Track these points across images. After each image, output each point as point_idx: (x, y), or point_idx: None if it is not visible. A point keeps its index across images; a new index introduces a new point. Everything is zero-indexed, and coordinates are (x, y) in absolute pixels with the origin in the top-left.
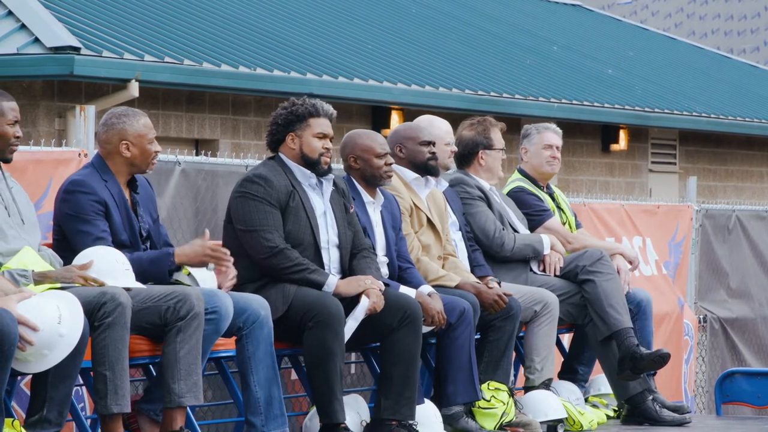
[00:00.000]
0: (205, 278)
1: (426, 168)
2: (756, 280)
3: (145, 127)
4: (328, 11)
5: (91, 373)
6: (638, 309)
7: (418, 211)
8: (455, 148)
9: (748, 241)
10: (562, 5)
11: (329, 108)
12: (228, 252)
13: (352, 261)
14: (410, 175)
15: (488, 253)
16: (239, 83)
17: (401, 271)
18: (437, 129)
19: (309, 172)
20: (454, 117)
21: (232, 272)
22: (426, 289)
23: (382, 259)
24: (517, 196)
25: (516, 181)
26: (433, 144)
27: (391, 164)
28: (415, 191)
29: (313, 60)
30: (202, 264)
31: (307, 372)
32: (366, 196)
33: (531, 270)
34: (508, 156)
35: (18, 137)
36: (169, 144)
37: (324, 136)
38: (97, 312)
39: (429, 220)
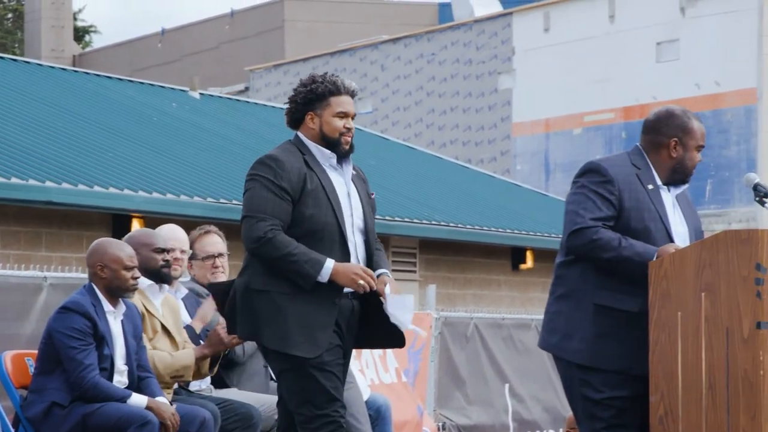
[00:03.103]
0: None
1: (159, 275)
2: (493, 387)
3: None
4: (67, 118)
5: None
6: (378, 414)
7: (152, 318)
8: (186, 256)
9: (485, 348)
10: None
11: (351, 84)
12: None
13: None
14: (144, 281)
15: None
16: None
17: (140, 380)
18: (172, 237)
19: (329, 152)
20: (196, 225)
21: None
22: (163, 399)
23: (121, 367)
24: None
25: None
26: (168, 251)
27: (137, 278)
28: (150, 298)
29: (53, 167)
30: None
31: None
32: (107, 305)
33: (272, 379)
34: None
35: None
36: None
37: (345, 115)
38: None
39: (164, 327)
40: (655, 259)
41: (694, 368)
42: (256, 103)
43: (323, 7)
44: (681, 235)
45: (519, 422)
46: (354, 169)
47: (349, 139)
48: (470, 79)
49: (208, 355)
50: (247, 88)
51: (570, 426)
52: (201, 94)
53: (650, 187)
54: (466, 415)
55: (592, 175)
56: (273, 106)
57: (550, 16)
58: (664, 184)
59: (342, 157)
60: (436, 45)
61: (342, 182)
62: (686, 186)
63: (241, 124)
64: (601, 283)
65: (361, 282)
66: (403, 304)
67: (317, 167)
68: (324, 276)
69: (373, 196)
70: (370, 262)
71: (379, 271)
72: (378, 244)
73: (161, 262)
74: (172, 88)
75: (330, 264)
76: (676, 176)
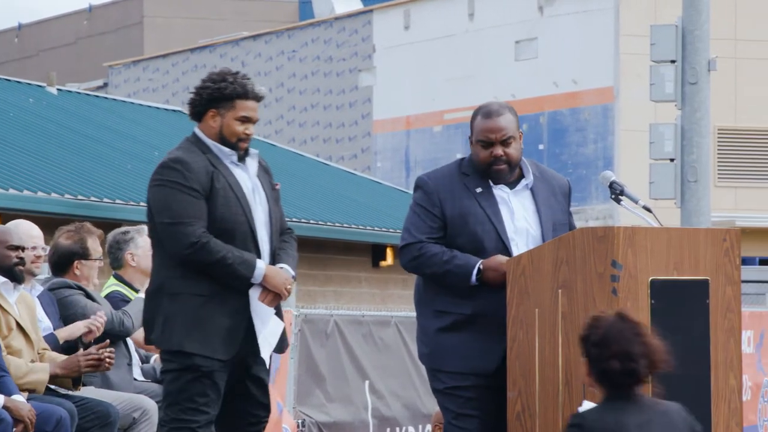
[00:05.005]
0: None
1: (13, 273)
2: (353, 384)
3: None
4: None
5: None
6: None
7: (6, 316)
8: (42, 253)
9: (345, 345)
10: (164, 111)
11: (260, 90)
12: None
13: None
14: None
15: None
16: None
17: None
18: (25, 233)
19: (228, 150)
20: (54, 222)
21: None
22: (19, 397)
23: None
24: (113, 302)
25: (112, 285)
26: (22, 249)
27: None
28: (4, 295)
29: None
30: None
31: None
32: None
33: (134, 379)
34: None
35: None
36: None
37: (247, 120)
38: None
39: (19, 325)
40: (476, 271)
41: (551, 365)
42: (114, 99)
43: (182, 3)
44: (521, 230)
45: (379, 419)
46: (258, 161)
47: (246, 145)
48: (331, 76)
49: (61, 376)
50: (105, 84)
51: (437, 421)
52: (58, 89)
53: (479, 190)
54: (326, 412)
55: (417, 191)
56: (132, 102)
57: (411, 13)
58: (493, 183)
59: (239, 158)
60: (297, 42)
61: (246, 178)
62: (526, 181)
63: (99, 121)
64: (437, 289)
65: (286, 294)
66: (264, 314)
67: (221, 165)
68: (257, 277)
69: (278, 187)
70: (275, 253)
71: (280, 265)
72: (288, 236)
73: (15, 260)
74: (29, 84)
75: (262, 265)
76: (486, 174)
